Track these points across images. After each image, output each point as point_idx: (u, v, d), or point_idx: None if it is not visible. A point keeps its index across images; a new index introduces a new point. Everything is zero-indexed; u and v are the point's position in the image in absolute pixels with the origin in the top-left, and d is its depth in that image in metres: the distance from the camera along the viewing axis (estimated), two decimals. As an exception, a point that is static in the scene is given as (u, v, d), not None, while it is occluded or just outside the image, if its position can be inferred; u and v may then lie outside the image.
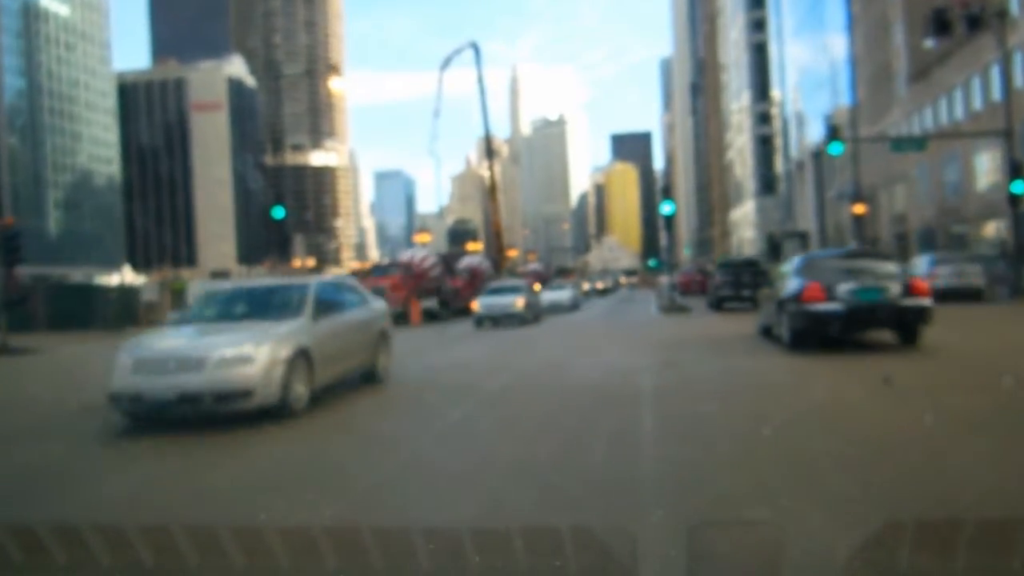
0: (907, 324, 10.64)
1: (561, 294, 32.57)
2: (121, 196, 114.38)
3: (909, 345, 10.59)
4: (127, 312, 21.42)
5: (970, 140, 31.32)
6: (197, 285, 25.18)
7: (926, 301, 10.52)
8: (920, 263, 23.58)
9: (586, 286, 52.12)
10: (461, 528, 2.58)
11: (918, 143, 27.46)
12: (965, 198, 33.12)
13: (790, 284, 11.19)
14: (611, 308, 33.78)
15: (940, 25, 25.97)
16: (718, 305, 23.80)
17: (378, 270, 28.95)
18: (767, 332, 12.70)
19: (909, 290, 10.54)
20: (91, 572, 2.28)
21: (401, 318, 24.21)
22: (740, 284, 21.72)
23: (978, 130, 29.78)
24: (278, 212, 23.25)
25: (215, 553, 2.32)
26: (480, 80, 48.38)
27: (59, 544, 2.32)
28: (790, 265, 12.38)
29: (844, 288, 10.35)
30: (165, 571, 2.29)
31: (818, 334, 10.56)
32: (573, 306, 32.03)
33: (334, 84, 37.19)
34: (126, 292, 23.97)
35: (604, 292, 56.63)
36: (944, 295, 21.64)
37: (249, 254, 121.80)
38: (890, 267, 11.45)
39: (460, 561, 2.24)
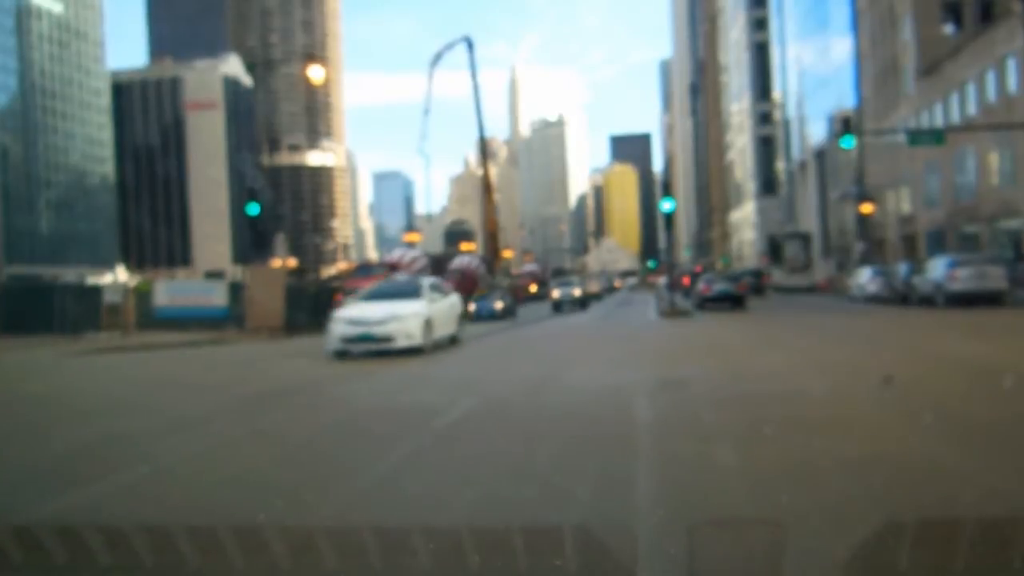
0: (737, 301, 26.68)
1: (369, 312, 13.51)
2: (116, 196, 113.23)
3: (741, 310, 25.95)
4: (88, 314, 20.05)
5: (985, 136, 29.99)
6: (162, 286, 23.83)
7: (743, 292, 27.69)
8: (936, 265, 22.15)
9: (556, 294, 35.08)
10: (461, 527, 2.48)
11: (936, 136, 26.11)
12: (979, 196, 31.75)
13: (698, 285, 29.08)
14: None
15: (952, 14, 24.79)
16: (686, 295, 35.78)
17: (362, 271, 27.55)
18: (695, 305, 28.01)
19: (738, 288, 27.48)
20: (91, 572, 2.24)
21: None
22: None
23: (992, 123, 28.42)
24: (252, 209, 21.87)
25: (215, 553, 2.28)
26: (474, 76, 46.84)
27: (59, 544, 2.29)
28: (703, 277, 31.07)
29: (715, 287, 27.48)
30: (165, 571, 2.25)
31: (705, 304, 26.97)
32: (410, 348, 13.05)
33: (312, 72, 35.30)
34: (87, 293, 22.55)
35: (584, 302, 35.60)
36: (963, 299, 20.30)
37: (245, 254, 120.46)
38: (734, 280, 29.27)
39: (460, 561, 2.20)
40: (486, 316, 27.63)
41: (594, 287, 47.67)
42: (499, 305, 28.83)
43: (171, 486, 4.69)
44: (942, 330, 15.47)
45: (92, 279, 78.01)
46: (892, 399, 7.19)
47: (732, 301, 26.50)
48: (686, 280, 39.29)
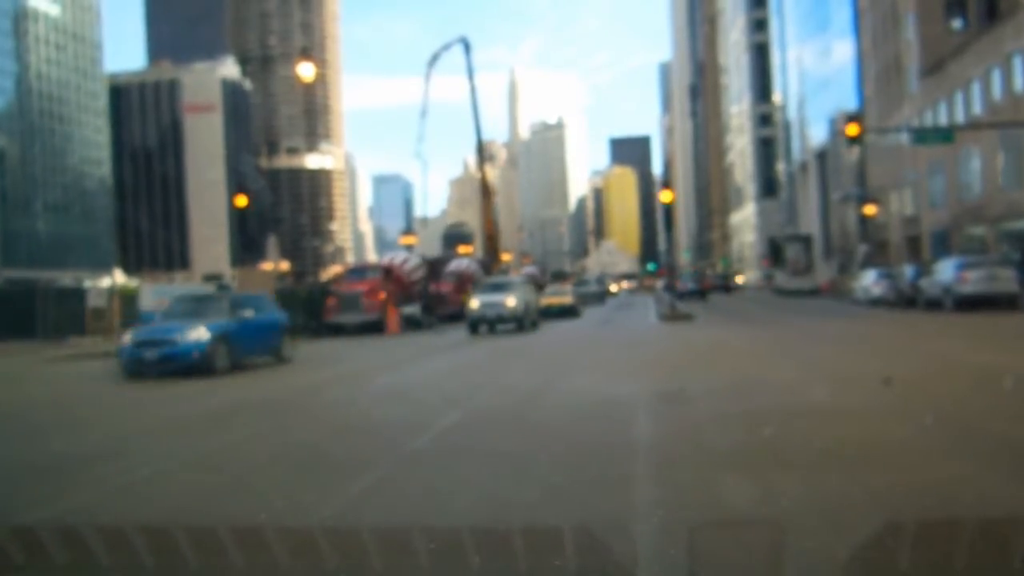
0: (702, 295, 44.21)
1: None
2: (113, 198, 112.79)
3: (703, 300, 41.31)
4: (73, 319, 19.45)
5: (990, 136, 29.41)
6: (148, 289, 23.26)
7: (706, 289, 47.45)
8: (945, 267, 21.52)
9: (475, 304, 21.23)
10: (461, 528, 2.45)
11: (944, 134, 25.51)
12: (986, 197, 31.15)
13: (680, 284, 42.41)
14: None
15: (957, 12, 24.30)
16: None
17: (354, 273, 26.90)
18: (676, 297, 31.51)
19: (702, 284, 48.40)
20: (91, 572, 2.24)
21: (377, 326, 22.24)
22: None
23: (999, 122, 27.83)
24: (241, 200, 21.16)
25: (215, 553, 2.27)
26: (471, 77, 46.14)
27: (59, 544, 2.29)
28: (683, 278, 49.35)
29: (688, 285, 44.41)
30: (165, 571, 2.24)
31: (682, 297, 35.90)
32: None
33: (302, 69, 34.15)
34: (72, 297, 21.95)
35: (527, 321, 21.70)
36: (973, 302, 19.67)
37: (244, 257, 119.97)
38: (700, 280, 50.53)
39: (460, 561, 2.19)
40: (155, 366, 12.13)
41: (560, 297, 30.42)
42: (195, 337, 12.20)
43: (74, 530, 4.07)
44: (959, 336, 14.84)
45: (89, 282, 77.45)
46: (912, 414, 6.59)
47: (699, 295, 43.39)
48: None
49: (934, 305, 21.47)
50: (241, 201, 18.94)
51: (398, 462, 5.56)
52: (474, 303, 21.20)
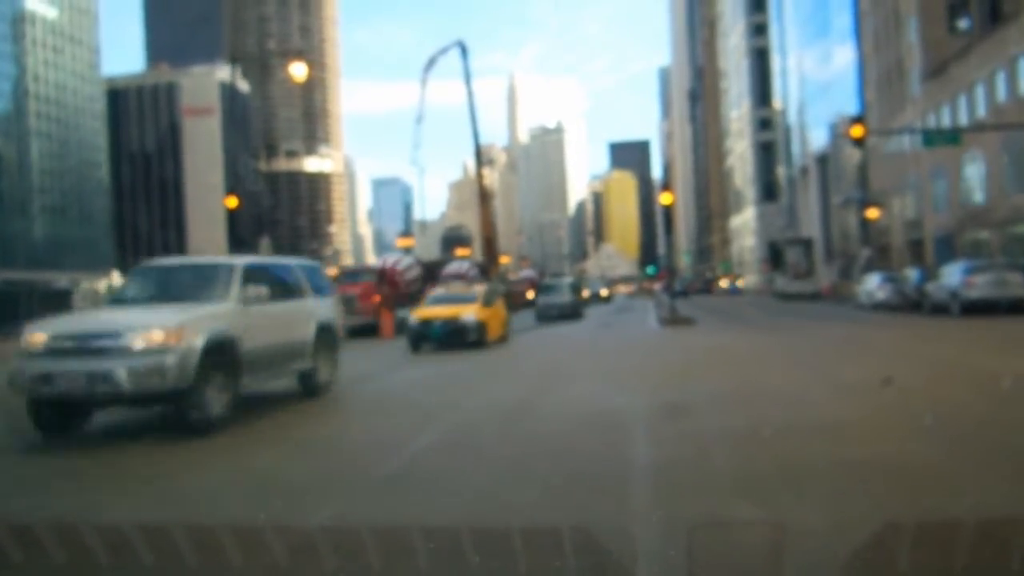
0: (685, 295, 56.32)
1: None
2: (111, 200, 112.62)
3: (687, 298, 51.20)
4: (57, 321, 18.96)
5: (993, 139, 29.08)
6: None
7: (690, 291, 67.78)
8: (951, 272, 21.11)
9: (38, 337, 6.91)
10: (461, 528, 2.43)
11: (952, 136, 25.15)
12: (989, 201, 30.80)
13: (674, 287, 40.13)
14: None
15: (960, 14, 24.03)
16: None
17: (348, 276, 26.53)
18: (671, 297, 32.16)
19: (686, 287, 68.45)
20: (91, 572, 2.24)
21: (372, 330, 21.81)
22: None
23: (1005, 124, 27.48)
24: (232, 201, 20.83)
25: (215, 553, 2.28)
26: (468, 81, 45.77)
27: (59, 544, 2.29)
28: (677, 282, 58.47)
29: (676, 287, 43.90)
30: (165, 571, 2.25)
31: (673, 296, 31.66)
32: None
33: (295, 70, 33.62)
34: (57, 298, 21.53)
35: (195, 396, 6.77)
36: (980, 307, 19.26)
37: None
38: (687, 284, 74.46)
39: (460, 561, 2.19)
40: None
41: (450, 308, 17.10)
42: None
43: None
44: (967, 341, 14.46)
45: (87, 284, 76.99)
46: (916, 420, 6.19)
47: (683, 295, 51.19)
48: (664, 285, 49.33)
49: (940, 310, 21.08)
50: (231, 202, 18.63)
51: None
52: (38, 336, 7.12)
